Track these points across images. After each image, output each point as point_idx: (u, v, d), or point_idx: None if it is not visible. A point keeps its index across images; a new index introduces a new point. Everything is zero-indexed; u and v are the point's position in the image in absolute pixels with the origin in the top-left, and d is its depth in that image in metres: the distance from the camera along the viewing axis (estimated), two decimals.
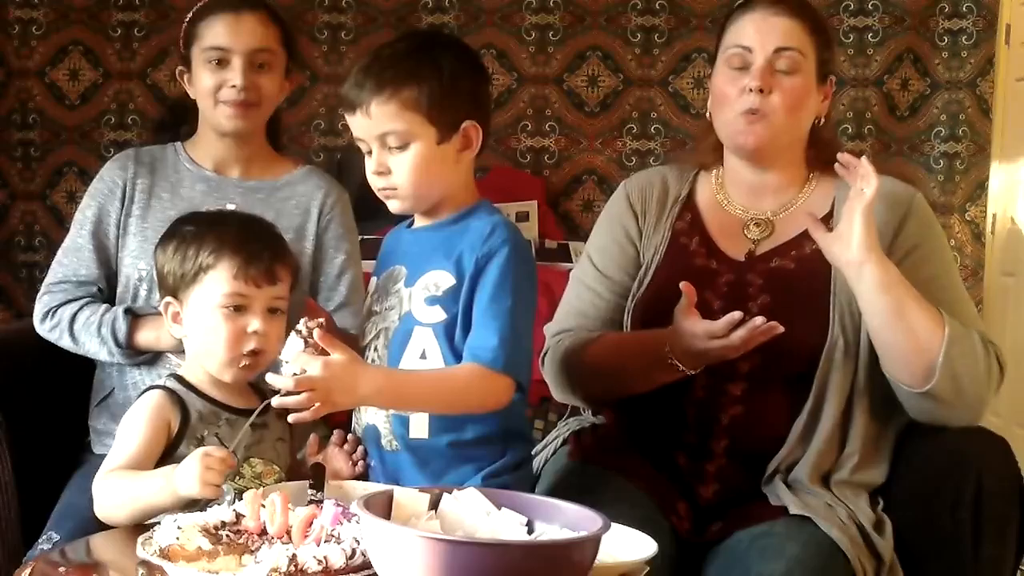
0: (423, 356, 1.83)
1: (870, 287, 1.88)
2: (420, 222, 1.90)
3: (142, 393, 1.81)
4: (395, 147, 1.81)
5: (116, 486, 1.68)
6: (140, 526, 1.63)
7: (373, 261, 2.09)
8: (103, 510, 1.70)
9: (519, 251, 1.85)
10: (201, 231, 1.82)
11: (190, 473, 1.60)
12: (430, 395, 1.79)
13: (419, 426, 1.84)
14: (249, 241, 1.80)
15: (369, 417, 1.89)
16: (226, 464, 1.62)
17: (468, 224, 1.86)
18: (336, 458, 1.84)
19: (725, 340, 1.84)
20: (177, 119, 2.38)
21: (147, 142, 2.52)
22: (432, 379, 1.80)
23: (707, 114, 2.12)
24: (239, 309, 1.77)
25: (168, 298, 1.83)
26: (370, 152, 1.84)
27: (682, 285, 1.90)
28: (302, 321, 1.71)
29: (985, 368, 1.90)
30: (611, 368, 2.05)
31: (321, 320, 1.73)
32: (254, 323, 1.77)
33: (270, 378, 1.69)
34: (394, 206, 1.85)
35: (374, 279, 1.95)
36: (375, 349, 1.88)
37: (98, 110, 4.21)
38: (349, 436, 1.87)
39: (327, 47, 4.18)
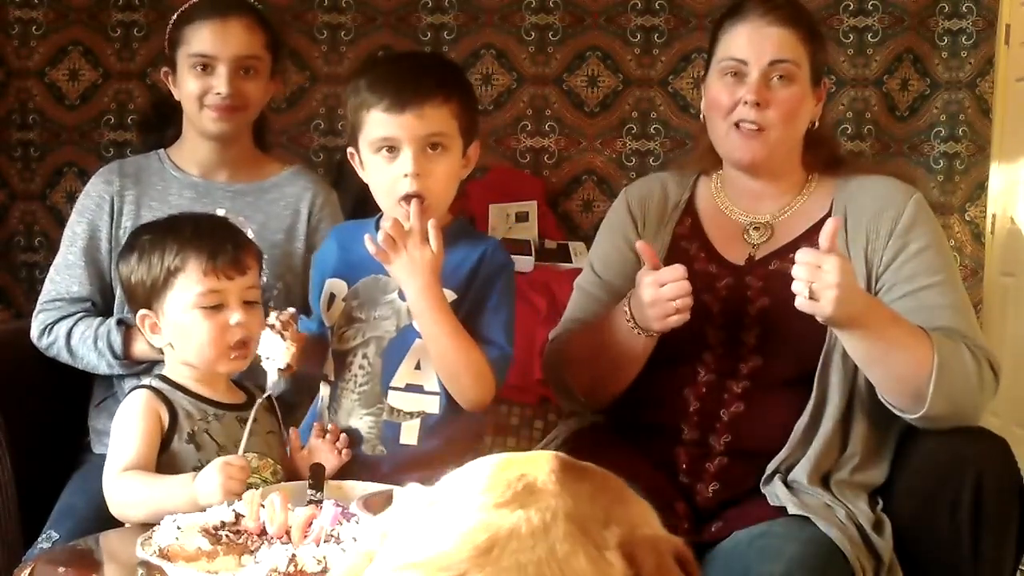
0: (418, 367, 1.89)
1: (848, 336, 1.88)
2: None
3: (127, 394, 1.82)
4: (435, 152, 1.83)
5: (133, 488, 1.70)
6: (140, 526, 1.63)
7: None
8: (119, 508, 1.72)
9: (513, 270, 1.96)
10: (159, 237, 1.81)
11: (212, 483, 1.62)
12: (460, 340, 1.84)
13: (410, 434, 1.89)
14: (209, 236, 1.80)
15: (353, 421, 1.92)
16: (245, 471, 1.64)
17: (458, 242, 1.90)
18: (320, 450, 1.85)
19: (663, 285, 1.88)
20: (162, 119, 2.37)
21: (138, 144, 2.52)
22: (466, 336, 1.85)
23: (700, 117, 2.12)
24: (216, 307, 1.77)
25: (143, 311, 1.82)
26: (392, 152, 1.84)
27: (637, 245, 1.95)
28: (272, 315, 1.73)
29: (977, 381, 1.90)
30: (587, 350, 2.06)
31: (292, 310, 1.76)
32: (235, 316, 1.77)
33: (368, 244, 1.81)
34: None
35: (342, 282, 1.95)
36: (364, 356, 1.90)
37: (98, 110, 4.21)
38: (330, 426, 1.88)
39: (327, 47, 4.17)
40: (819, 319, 1.82)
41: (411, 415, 1.90)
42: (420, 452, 1.88)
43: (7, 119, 4.22)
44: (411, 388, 1.90)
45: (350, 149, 1.94)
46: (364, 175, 1.92)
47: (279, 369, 1.75)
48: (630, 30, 4.14)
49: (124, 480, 1.71)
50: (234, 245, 1.80)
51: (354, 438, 1.91)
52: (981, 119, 4.04)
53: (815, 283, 1.78)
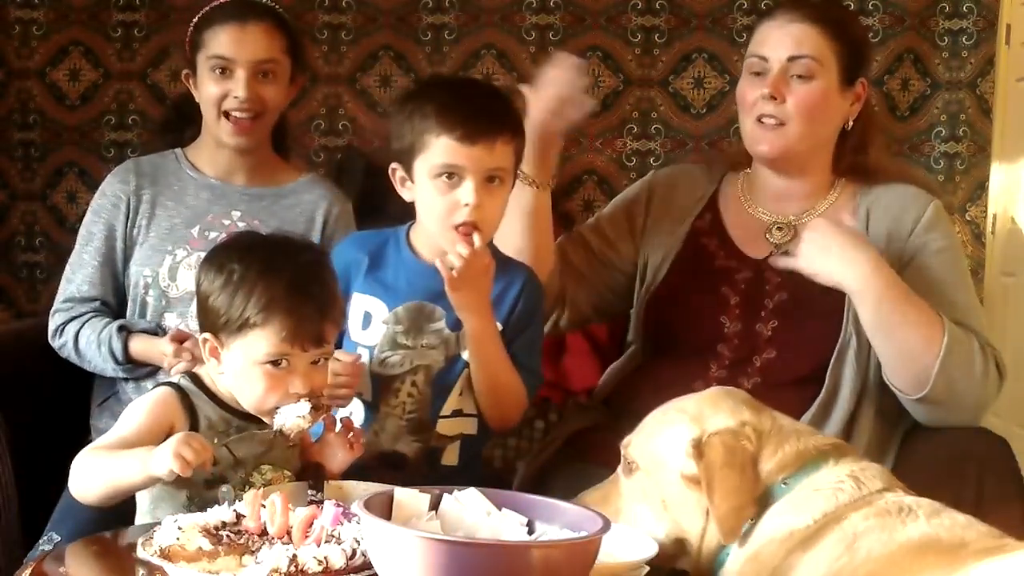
0: (461, 393, 1.95)
1: (860, 301, 1.89)
2: (431, 257, 1.92)
3: (155, 387, 1.79)
4: (492, 184, 1.87)
5: (92, 463, 1.67)
6: (141, 527, 1.63)
7: None
8: (75, 486, 1.70)
9: (544, 297, 2.05)
10: (250, 277, 1.70)
11: (165, 448, 1.58)
12: (508, 367, 1.90)
13: (451, 455, 1.96)
14: (301, 301, 1.69)
15: (400, 445, 1.96)
16: (208, 454, 1.60)
17: (496, 272, 1.91)
18: (333, 444, 1.83)
19: None
20: (182, 119, 2.38)
21: (148, 143, 2.52)
22: (511, 363, 1.91)
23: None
24: (280, 365, 1.70)
25: (206, 335, 1.74)
26: (452, 180, 1.85)
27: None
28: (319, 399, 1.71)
29: (982, 374, 1.90)
30: None
31: (329, 405, 1.75)
32: (295, 384, 1.71)
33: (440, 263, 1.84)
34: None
35: (379, 303, 1.96)
36: (413, 384, 1.95)
37: (98, 110, 4.20)
38: (342, 419, 1.87)
39: (327, 47, 4.17)
40: (800, 267, 1.89)
41: (452, 438, 1.96)
42: (459, 472, 1.95)
43: (7, 119, 4.21)
44: (455, 414, 1.96)
45: (394, 165, 1.94)
46: (407, 193, 1.94)
47: (280, 429, 1.74)
48: (630, 30, 4.14)
49: (85, 455, 1.68)
50: (322, 315, 1.71)
51: (397, 461, 1.96)
52: (982, 119, 4.04)
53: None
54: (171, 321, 2.20)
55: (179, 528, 1.47)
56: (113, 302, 2.26)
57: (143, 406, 1.74)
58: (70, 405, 2.31)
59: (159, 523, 1.52)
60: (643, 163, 4.16)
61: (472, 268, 1.83)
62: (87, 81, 4.20)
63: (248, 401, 1.75)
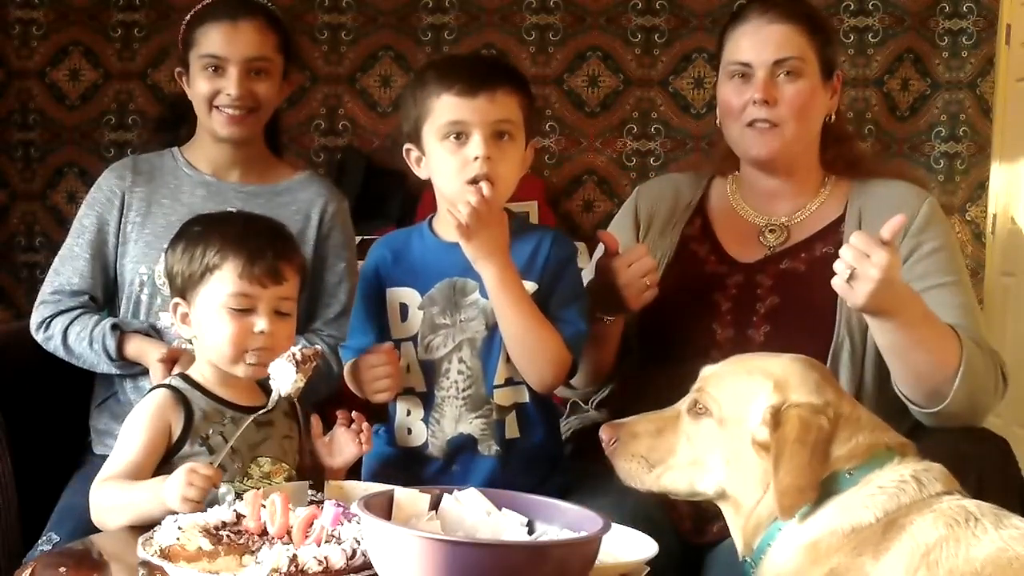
0: (508, 359, 1.92)
1: (875, 324, 1.85)
2: (453, 237, 1.89)
3: (148, 391, 1.81)
4: (502, 140, 1.86)
5: (111, 494, 1.70)
6: (141, 526, 1.63)
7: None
8: (98, 516, 1.72)
9: (577, 254, 2.02)
10: (207, 231, 1.82)
11: (173, 491, 1.60)
12: (537, 320, 1.87)
13: (512, 427, 1.94)
14: (253, 240, 1.79)
15: (463, 427, 1.94)
16: (210, 481, 1.61)
17: (524, 234, 1.92)
18: (342, 438, 1.83)
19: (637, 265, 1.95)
20: (177, 118, 2.38)
21: (148, 143, 2.51)
22: (542, 316, 1.89)
23: (716, 122, 2.13)
24: (244, 310, 1.76)
25: (176, 299, 1.83)
26: (460, 139, 1.85)
27: (598, 233, 2.03)
28: (297, 347, 1.73)
29: (994, 383, 1.90)
30: None
31: (318, 348, 1.76)
32: (260, 323, 1.76)
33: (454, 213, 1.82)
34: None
35: (411, 291, 1.95)
36: (461, 360, 1.93)
37: (98, 110, 4.21)
38: (354, 414, 1.87)
39: (327, 47, 4.18)
40: (848, 304, 1.81)
41: (509, 408, 1.94)
42: (529, 445, 1.94)
43: (7, 119, 4.22)
44: (508, 382, 1.94)
45: (407, 146, 1.94)
46: (422, 170, 1.93)
47: (280, 395, 1.75)
48: (630, 30, 4.15)
49: (104, 488, 1.71)
50: (275, 254, 1.79)
51: (465, 443, 1.94)
52: (981, 119, 4.05)
53: (858, 269, 1.73)
54: (165, 320, 2.20)
55: (179, 528, 1.47)
56: (101, 298, 2.26)
57: (139, 418, 1.76)
58: (70, 405, 2.30)
59: (159, 523, 1.52)
60: (643, 163, 4.16)
61: (482, 216, 1.81)
62: (87, 81, 4.21)
63: (219, 350, 1.77)
